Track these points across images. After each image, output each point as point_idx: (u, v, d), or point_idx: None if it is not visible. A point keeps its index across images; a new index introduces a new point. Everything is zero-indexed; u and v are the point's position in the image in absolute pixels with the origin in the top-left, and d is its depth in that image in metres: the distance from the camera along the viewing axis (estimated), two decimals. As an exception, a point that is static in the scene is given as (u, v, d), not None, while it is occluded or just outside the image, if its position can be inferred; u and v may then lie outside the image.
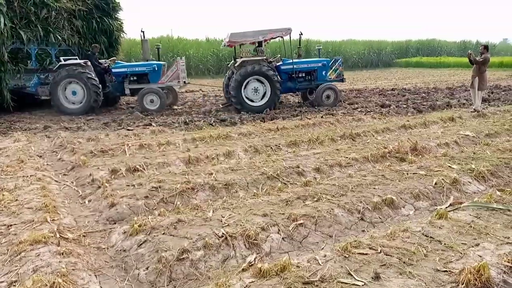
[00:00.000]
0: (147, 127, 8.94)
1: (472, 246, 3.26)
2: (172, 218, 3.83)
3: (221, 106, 12.83)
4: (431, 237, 3.41)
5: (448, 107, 11.20)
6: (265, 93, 11.09)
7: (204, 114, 10.88)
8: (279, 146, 6.96)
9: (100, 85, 11.15)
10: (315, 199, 4.36)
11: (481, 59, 10.00)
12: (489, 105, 11.47)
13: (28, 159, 6.45)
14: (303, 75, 12.06)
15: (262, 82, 11.00)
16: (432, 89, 16.13)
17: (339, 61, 12.58)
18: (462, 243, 3.31)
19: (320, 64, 12.00)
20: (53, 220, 3.94)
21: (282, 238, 3.61)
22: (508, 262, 2.97)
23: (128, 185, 4.96)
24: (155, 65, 11.89)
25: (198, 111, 11.96)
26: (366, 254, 3.11)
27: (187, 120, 9.49)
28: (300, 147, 6.97)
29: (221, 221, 3.75)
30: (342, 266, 2.93)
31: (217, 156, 6.24)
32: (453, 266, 2.93)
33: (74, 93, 11.03)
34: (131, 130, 8.65)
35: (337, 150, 6.60)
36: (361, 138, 7.57)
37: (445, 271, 2.86)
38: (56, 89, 10.87)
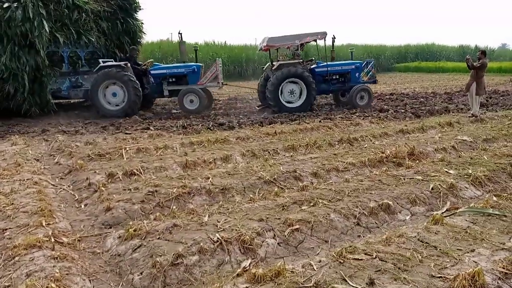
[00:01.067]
0: (145, 131, 8.94)
1: (468, 252, 3.25)
2: (167, 222, 3.82)
3: (257, 108, 12.90)
4: (426, 242, 3.41)
5: (446, 112, 11.21)
6: (301, 94, 11.47)
7: (203, 118, 10.88)
8: (277, 151, 6.97)
9: (140, 87, 11.20)
10: (312, 204, 4.35)
11: (478, 65, 10.03)
12: (487, 110, 11.48)
13: (25, 162, 6.44)
14: (337, 77, 12.41)
15: (298, 84, 11.40)
16: (430, 94, 16.15)
17: (371, 63, 12.94)
18: (457, 249, 3.30)
19: (353, 67, 12.35)
20: (48, 224, 3.93)
21: (278, 243, 3.60)
22: (503, 268, 2.97)
23: (125, 189, 4.95)
24: (195, 67, 12.01)
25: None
26: (361, 259, 3.10)
27: (185, 124, 9.49)
28: (297, 152, 6.97)
29: (217, 226, 3.74)
30: (336, 272, 2.93)
31: (214, 160, 6.24)
32: (448, 272, 2.92)
33: (114, 94, 11.09)
34: (129, 134, 8.65)
35: (335, 154, 6.60)
36: (358, 143, 7.57)
37: (440, 277, 2.86)
38: (96, 91, 10.92)
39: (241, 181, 5.15)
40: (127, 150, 6.88)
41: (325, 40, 11.76)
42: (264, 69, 13.03)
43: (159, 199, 4.59)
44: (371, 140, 7.73)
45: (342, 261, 3.07)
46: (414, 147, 6.55)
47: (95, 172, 5.71)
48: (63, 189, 5.39)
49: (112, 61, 11.51)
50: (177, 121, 10.11)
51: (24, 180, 5.42)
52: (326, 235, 3.82)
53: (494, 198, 4.52)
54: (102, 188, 4.99)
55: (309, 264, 3.07)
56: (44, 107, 10.88)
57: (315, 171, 5.65)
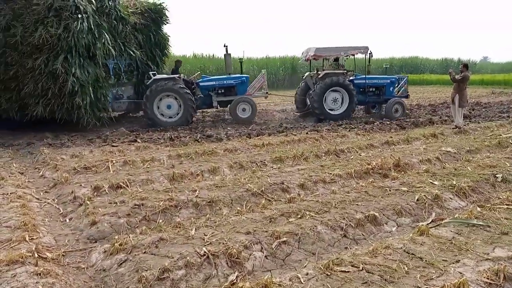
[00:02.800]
0: (132, 143, 8.86)
1: (453, 263, 3.30)
2: (153, 236, 3.78)
3: (298, 115, 13.41)
4: (412, 253, 3.44)
5: (431, 123, 11.40)
6: (342, 103, 12.23)
7: (191, 130, 10.85)
8: (265, 162, 6.98)
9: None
10: (299, 216, 4.36)
11: (459, 77, 10.29)
12: (470, 121, 11.71)
13: (9, 176, 6.34)
14: (373, 90, 13.21)
15: (341, 93, 12.21)
16: (415, 106, 16.41)
17: (405, 79, 13.94)
18: (443, 260, 3.34)
19: (388, 81, 13.23)
20: (31, 239, 3.86)
21: (265, 256, 3.59)
22: (487, 278, 3.01)
23: (111, 203, 4.90)
24: (244, 78, 12.69)
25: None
26: (348, 271, 3.12)
27: (172, 136, 9.45)
28: (285, 163, 6.99)
29: (204, 239, 3.72)
30: (324, 285, 2.93)
31: (201, 173, 6.22)
32: (433, 283, 2.95)
33: (169, 107, 11.36)
34: (116, 146, 8.56)
35: (322, 166, 6.64)
36: (345, 154, 7.64)
37: (425, 288, 2.88)
38: (151, 103, 11.14)
39: (229, 193, 5.14)
40: (113, 163, 6.82)
41: (365, 54, 12.54)
42: (303, 77, 13.70)
43: (145, 212, 4.55)
44: (357, 152, 7.80)
45: (329, 274, 3.08)
46: (400, 158, 6.64)
47: (81, 185, 5.65)
48: (48, 202, 5.31)
49: (155, 73, 11.80)
50: (164, 133, 10.07)
51: (7, 194, 5.32)
52: (313, 247, 3.82)
53: (478, 209, 4.60)
54: (88, 201, 4.93)
55: (296, 277, 3.07)
56: (99, 119, 10.65)
57: (302, 182, 5.68)
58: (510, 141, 8.52)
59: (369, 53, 12.75)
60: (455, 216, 4.38)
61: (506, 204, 4.76)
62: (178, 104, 11.39)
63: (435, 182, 5.55)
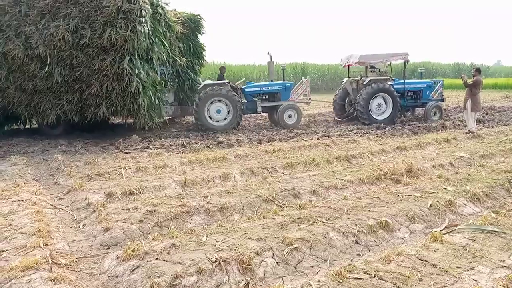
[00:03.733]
0: (145, 150, 8.96)
1: (467, 270, 3.25)
2: (165, 242, 3.81)
3: (340, 120, 13.75)
4: (425, 260, 3.40)
5: (443, 128, 11.28)
6: (386, 108, 12.70)
7: (202, 136, 10.92)
8: (275, 168, 6.98)
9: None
10: (310, 222, 4.35)
11: (471, 82, 10.19)
12: (483, 126, 11.56)
13: (24, 183, 6.44)
14: (411, 94, 13.75)
15: (385, 99, 12.68)
16: (427, 111, 16.23)
17: (440, 83, 14.38)
18: (457, 267, 3.30)
19: (425, 85, 13.77)
20: (46, 245, 3.91)
21: (277, 262, 3.58)
22: (503, 286, 2.96)
23: (123, 209, 4.95)
24: (288, 84, 13.15)
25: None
26: (361, 278, 3.09)
27: (184, 143, 9.52)
28: (296, 169, 6.99)
29: (215, 245, 3.73)
30: (336, 291, 2.91)
31: (213, 179, 6.24)
32: (447, 291, 2.91)
33: (218, 111, 11.89)
34: (129, 153, 8.65)
35: (333, 172, 6.62)
36: (356, 160, 7.60)
37: (439, 295, 2.85)
38: (203, 107, 11.70)
39: (240, 199, 5.15)
40: (126, 170, 6.89)
41: (405, 60, 13.15)
42: (343, 83, 14.18)
43: (157, 218, 4.58)
44: (369, 157, 7.75)
45: (341, 281, 3.06)
46: (412, 164, 6.58)
47: (94, 192, 5.71)
48: (62, 209, 5.38)
49: (197, 80, 12.68)
50: (176, 140, 10.15)
51: (22, 200, 5.40)
52: (325, 254, 3.80)
53: (493, 215, 4.53)
54: (101, 208, 4.98)
55: (308, 284, 3.06)
56: (153, 122, 10.90)
57: (313, 188, 5.66)
58: (525, 145, 8.39)
59: (406, 60, 13.30)
60: (469, 222, 4.32)
61: (522, 210, 4.69)
62: (227, 109, 11.89)
63: (448, 188, 5.49)
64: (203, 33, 14.17)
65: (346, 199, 5.27)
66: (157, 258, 3.52)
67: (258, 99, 12.87)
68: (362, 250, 3.96)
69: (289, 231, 4.13)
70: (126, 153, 8.64)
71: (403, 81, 13.49)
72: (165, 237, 4.11)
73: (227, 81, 12.45)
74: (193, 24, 13.55)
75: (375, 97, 12.54)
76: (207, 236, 4.00)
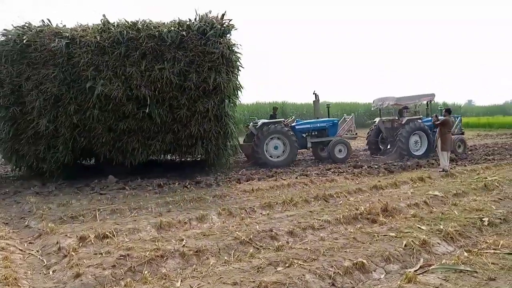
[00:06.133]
0: (121, 190, 8.81)
1: (441, 311, 3.26)
2: (138, 289, 3.71)
3: (379, 155, 14.63)
4: (400, 302, 3.41)
5: (418, 167, 11.56)
6: (421, 144, 13.90)
7: (180, 175, 10.83)
8: (254, 209, 6.97)
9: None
10: (287, 265, 4.33)
11: (438, 122, 10.67)
12: (456, 164, 11.91)
13: (-7, 227, 6.22)
14: (436, 130, 14.91)
15: (420, 136, 13.90)
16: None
17: (459, 118, 16.03)
18: (431, 308, 3.31)
19: None
20: (12, 294, 3.75)
21: (252, 307, 3.53)
22: (475, 327, 2.98)
23: (96, 253, 4.82)
24: (336, 121, 14.26)
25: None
26: (336, 323, 3.07)
27: (161, 183, 9.43)
28: (274, 209, 6.99)
29: (190, 291, 3.65)
30: (310, 337, 2.87)
31: (189, 221, 6.17)
32: (421, 334, 2.91)
33: (275, 147, 12.59)
34: (104, 194, 8.50)
35: (311, 212, 6.65)
36: (334, 199, 7.67)
37: None
38: (262, 145, 12.36)
39: (216, 242, 5.09)
40: (100, 212, 6.76)
41: (431, 100, 15.29)
42: (375, 123, 15.42)
43: (131, 263, 4.47)
44: (346, 197, 7.84)
45: (316, 326, 3.02)
46: (388, 203, 6.68)
47: (66, 235, 5.56)
48: (32, 254, 5.19)
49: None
50: (153, 180, 10.03)
51: (-11, 246, 5.20)
52: (301, 298, 3.76)
53: (465, 254, 4.62)
54: (72, 252, 4.83)
55: (283, 329, 3.00)
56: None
57: (291, 229, 5.65)
58: (496, 184, 8.66)
59: (430, 100, 15.32)
60: (443, 262, 4.38)
61: (493, 249, 4.80)
62: (284, 146, 12.60)
63: (423, 227, 5.58)
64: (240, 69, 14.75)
65: (323, 239, 5.28)
66: (128, 306, 3.41)
67: (307, 135, 13.70)
68: (338, 293, 3.93)
69: (265, 274, 4.09)
70: (101, 194, 8.49)
71: (430, 118, 14.54)
72: (138, 283, 4.01)
73: (282, 119, 13.44)
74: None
75: (413, 134, 13.70)
76: (181, 281, 3.92)
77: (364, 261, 4.39)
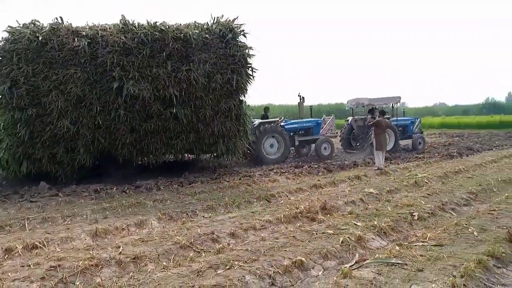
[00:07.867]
0: (54, 197, 8.29)
1: (374, 303, 3.41)
2: (69, 301, 3.50)
3: (346, 151, 16.28)
4: (336, 298, 3.51)
5: (355, 166, 12.07)
6: (390, 140, 14.85)
7: (119, 180, 10.42)
8: (195, 212, 6.87)
9: None
10: (227, 267, 4.30)
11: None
12: (390, 163, 12.59)
13: None
14: (401, 128, 16.66)
15: (388, 133, 14.13)
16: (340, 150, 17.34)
17: (419, 119, 17.75)
18: (364, 301, 3.45)
19: (409, 121, 17.08)
20: None
21: (191, 312, 3.46)
22: (404, 316, 3.15)
23: (23, 266, 4.48)
24: (319, 121, 15.28)
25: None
26: (274, 322, 3.09)
27: (98, 188, 8.99)
28: (216, 211, 6.94)
29: (125, 300, 3.51)
30: (249, 339, 2.87)
31: (127, 227, 5.94)
32: (355, 327, 3.02)
33: (271, 146, 13.40)
34: (35, 201, 7.94)
35: (253, 212, 6.69)
36: (276, 199, 7.78)
37: (347, 332, 2.94)
38: (260, 143, 13.03)
39: (156, 247, 4.95)
40: (30, 220, 6.32)
41: (398, 102, 16.60)
42: (349, 121, 16.78)
43: (62, 274, 4.20)
44: (287, 196, 7.98)
45: (254, 326, 3.03)
46: (326, 201, 6.89)
47: (-11, 248, 5.11)
48: None
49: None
50: (89, 186, 9.55)
51: None
52: (241, 299, 3.76)
53: (397, 248, 4.87)
54: (-4, 266, 4.46)
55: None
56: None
57: (233, 231, 5.64)
58: (425, 180, 9.27)
59: (397, 102, 16.65)
60: (376, 256, 4.59)
61: (421, 241, 5.11)
62: (278, 144, 13.44)
63: (359, 223, 5.82)
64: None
65: (264, 240, 5.32)
66: (57, 320, 3.20)
67: (294, 134, 14.67)
68: (277, 292, 3.98)
69: (205, 278, 4.04)
70: (32, 201, 7.94)
71: (396, 118, 16.30)
72: (69, 295, 3.78)
73: (277, 119, 14.23)
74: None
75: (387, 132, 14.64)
76: (117, 290, 3.75)
77: (303, 259, 4.49)
